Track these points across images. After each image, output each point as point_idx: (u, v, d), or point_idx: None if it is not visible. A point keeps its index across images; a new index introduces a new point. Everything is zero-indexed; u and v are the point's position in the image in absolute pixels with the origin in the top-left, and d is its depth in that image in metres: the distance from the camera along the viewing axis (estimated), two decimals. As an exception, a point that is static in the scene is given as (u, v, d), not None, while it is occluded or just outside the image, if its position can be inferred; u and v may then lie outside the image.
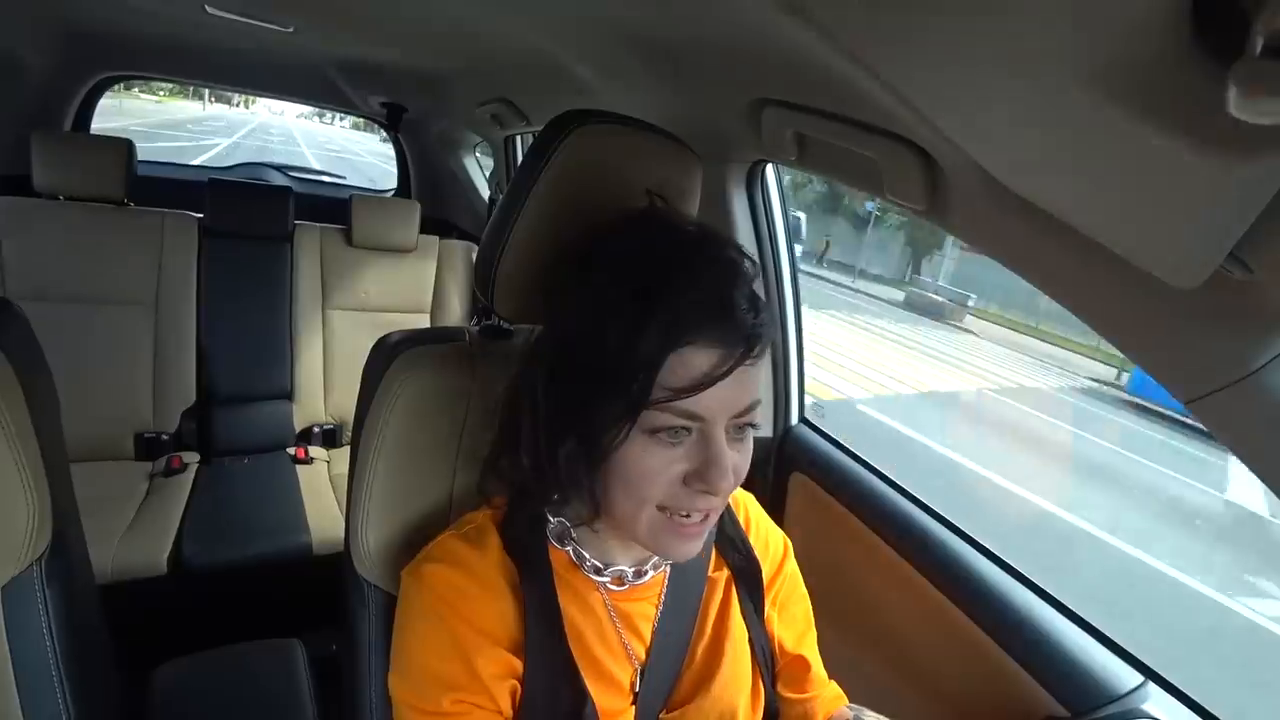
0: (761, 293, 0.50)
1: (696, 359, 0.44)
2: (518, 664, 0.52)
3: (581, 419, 0.47)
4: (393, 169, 2.74)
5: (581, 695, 0.53)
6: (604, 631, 0.56)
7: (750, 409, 0.48)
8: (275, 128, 17.51)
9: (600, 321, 0.46)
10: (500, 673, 0.51)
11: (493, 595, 0.53)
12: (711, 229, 0.51)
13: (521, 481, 0.54)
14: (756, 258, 0.82)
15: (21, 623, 0.61)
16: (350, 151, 15.55)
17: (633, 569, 0.57)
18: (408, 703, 0.51)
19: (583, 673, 0.53)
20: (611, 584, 0.57)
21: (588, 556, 0.56)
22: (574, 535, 0.56)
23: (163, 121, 14.79)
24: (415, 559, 0.55)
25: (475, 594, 0.52)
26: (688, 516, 0.49)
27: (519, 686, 0.52)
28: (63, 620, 0.63)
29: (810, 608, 0.69)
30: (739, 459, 0.49)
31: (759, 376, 0.48)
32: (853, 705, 0.67)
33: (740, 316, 0.45)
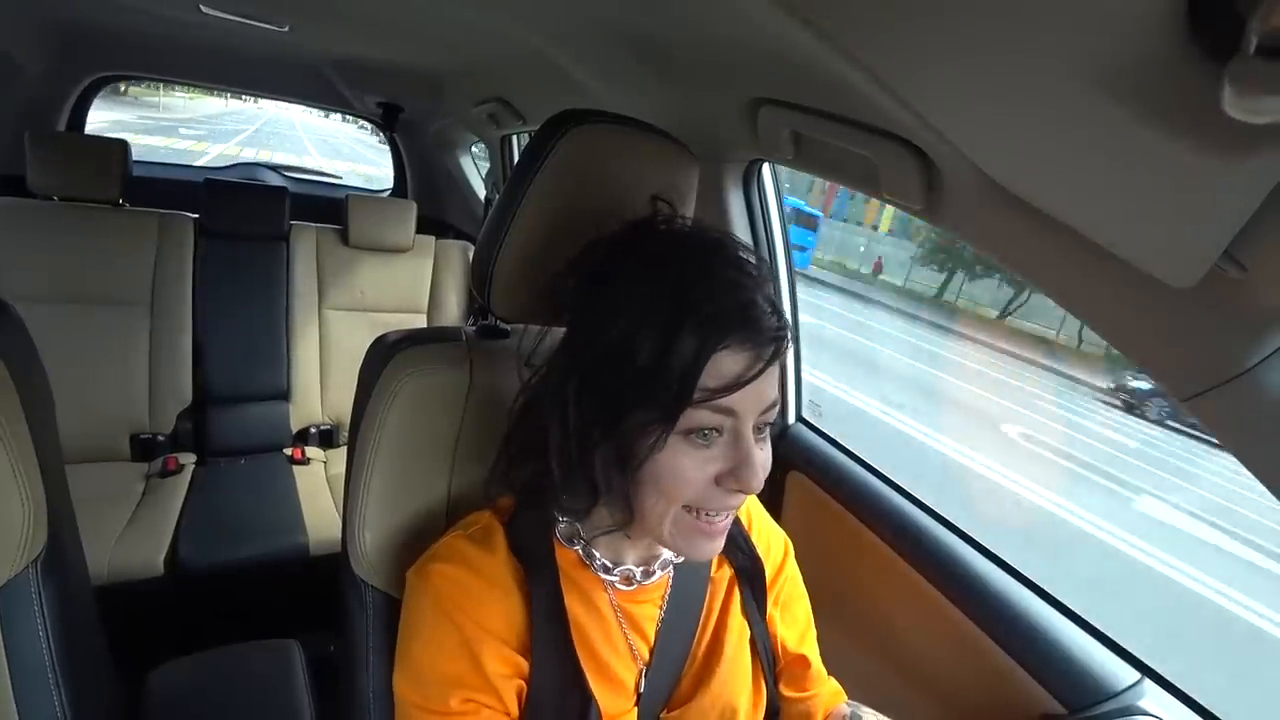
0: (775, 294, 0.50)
1: (729, 362, 0.45)
2: (524, 664, 0.52)
3: (617, 426, 0.47)
4: (361, 149, 2.76)
5: (587, 698, 0.53)
6: (609, 632, 0.56)
7: (773, 406, 0.49)
8: (282, 120, 22.95)
9: (631, 331, 0.46)
10: (508, 672, 0.51)
11: (500, 594, 0.53)
12: (726, 233, 0.51)
13: (533, 485, 0.54)
14: None
15: (17, 625, 0.60)
16: (334, 135, 22.83)
17: (641, 569, 0.57)
18: (414, 703, 0.51)
19: (588, 673, 0.53)
20: (620, 583, 0.57)
21: (597, 555, 0.56)
22: (584, 535, 0.56)
23: (204, 115, 19.27)
24: (421, 559, 0.55)
25: (482, 593, 0.52)
26: (713, 515, 0.50)
27: (525, 687, 0.52)
28: (59, 622, 0.63)
29: (809, 606, 0.69)
30: (763, 456, 0.50)
31: (776, 375, 0.49)
32: (850, 702, 0.67)
33: (766, 320, 0.46)
